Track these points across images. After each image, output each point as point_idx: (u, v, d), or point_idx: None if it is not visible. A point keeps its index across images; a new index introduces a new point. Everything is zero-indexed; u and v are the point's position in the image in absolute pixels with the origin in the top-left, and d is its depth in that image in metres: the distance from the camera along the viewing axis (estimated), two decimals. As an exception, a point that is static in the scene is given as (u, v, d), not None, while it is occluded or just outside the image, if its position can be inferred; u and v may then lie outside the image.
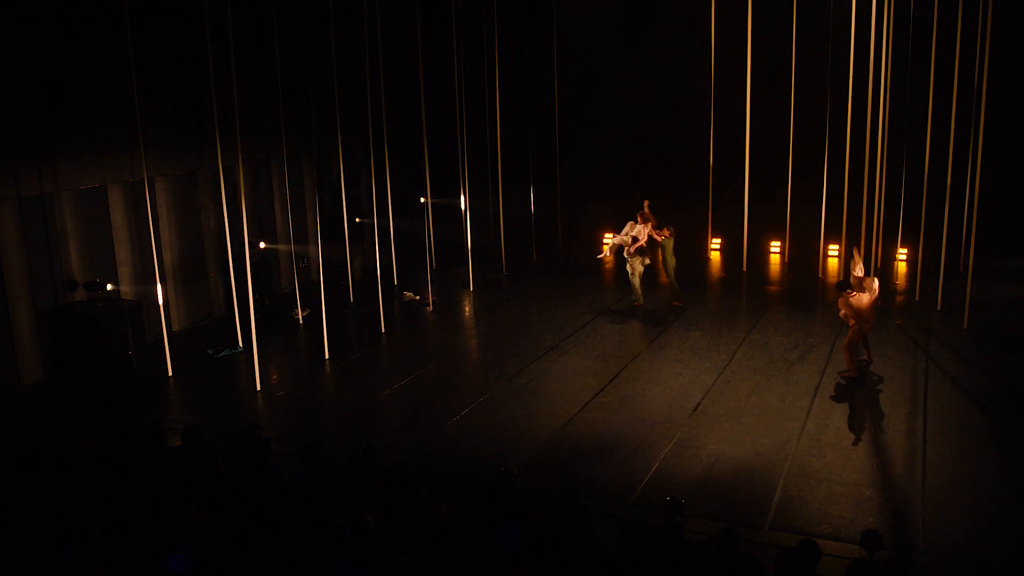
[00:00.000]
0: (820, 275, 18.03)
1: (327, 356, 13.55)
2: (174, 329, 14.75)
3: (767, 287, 17.84)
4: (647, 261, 15.53)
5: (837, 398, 11.41)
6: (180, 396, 12.38)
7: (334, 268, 15.84)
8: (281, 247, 17.31)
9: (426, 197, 17.89)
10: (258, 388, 12.20)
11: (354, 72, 14.66)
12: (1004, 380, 11.99)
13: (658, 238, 15.49)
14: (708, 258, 20.05)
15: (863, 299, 11.83)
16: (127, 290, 13.87)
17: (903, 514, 8.39)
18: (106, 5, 12.00)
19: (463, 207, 17.45)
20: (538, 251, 20.24)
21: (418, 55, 15.25)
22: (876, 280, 12.09)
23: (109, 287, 13.09)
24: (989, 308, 14.94)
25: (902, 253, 18.03)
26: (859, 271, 12.18)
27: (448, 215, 19.10)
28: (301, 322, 15.34)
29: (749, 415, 10.89)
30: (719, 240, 20.31)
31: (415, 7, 15.14)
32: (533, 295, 17.22)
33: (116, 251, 13.95)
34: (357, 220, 18.40)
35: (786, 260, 19.39)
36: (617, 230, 16.13)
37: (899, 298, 16.33)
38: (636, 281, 15.62)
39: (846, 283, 11.98)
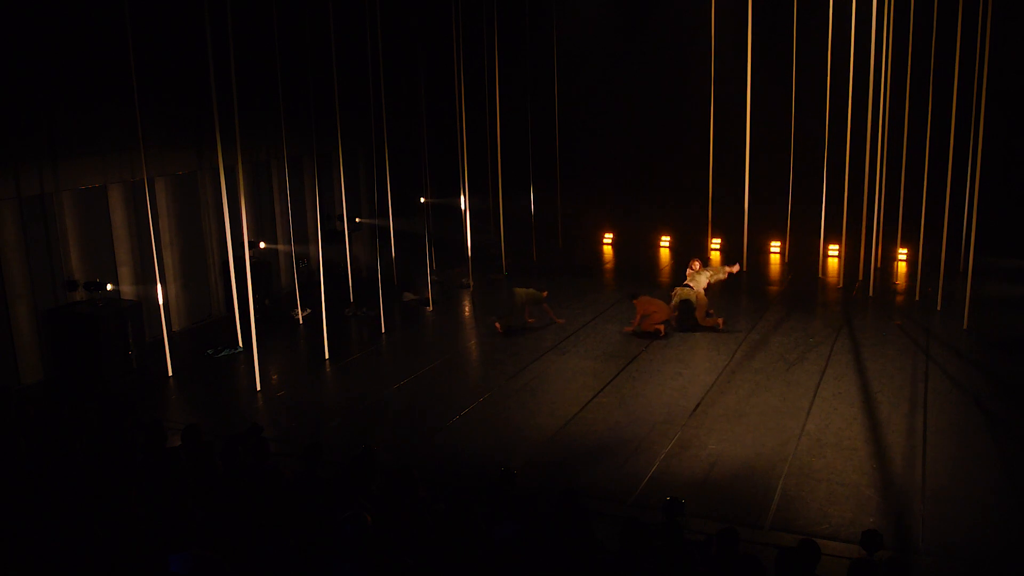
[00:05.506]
0: (820, 275, 18.03)
1: (327, 356, 13.56)
2: (174, 329, 14.75)
3: (767, 287, 17.83)
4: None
5: (837, 398, 11.40)
6: (180, 396, 12.38)
7: (334, 268, 15.84)
8: (281, 247, 17.30)
9: (426, 197, 17.89)
10: (258, 388, 12.20)
11: (354, 72, 14.66)
12: (1004, 380, 11.99)
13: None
14: (708, 258, 20.03)
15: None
16: (127, 290, 13.87)
17: (903, 514, 8.38)
18: (106, 5, 12.00)
19: (463, 207, 17.44)
20: (538, 251, 20.24)
21: (418, 55, 15.26)
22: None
23: (109, 287, 13.09)
24: (989, 308, 14.94)
25: (902, 253, 18.03)
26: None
27: (448, 215, 19.09)
28: (301, 322, 15.34)
29: (749, 415, 10.89)
30: (719, 240, 20.30)
31: (415, 8, 15.15)
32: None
33: (116, 251, 13.95)
34: (357, 220, 18.41)
35: (786, 260, 19.38)
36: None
37: (899, 298, 16.33)
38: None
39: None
